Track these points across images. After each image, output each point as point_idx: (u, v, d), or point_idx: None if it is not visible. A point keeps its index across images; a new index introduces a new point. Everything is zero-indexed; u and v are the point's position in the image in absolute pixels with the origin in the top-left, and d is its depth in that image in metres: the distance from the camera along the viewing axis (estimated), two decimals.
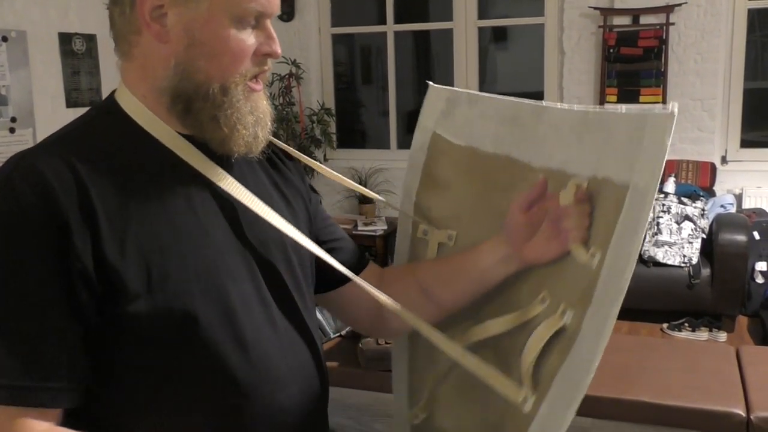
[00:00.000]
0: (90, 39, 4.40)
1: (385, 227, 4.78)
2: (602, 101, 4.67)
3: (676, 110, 0.80)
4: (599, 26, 4.70)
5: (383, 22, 5.45)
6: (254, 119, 0.89)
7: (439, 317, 1.09)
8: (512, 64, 5.97)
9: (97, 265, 0.79)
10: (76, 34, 4.32)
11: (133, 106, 0.88)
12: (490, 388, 0.96)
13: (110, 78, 4.52)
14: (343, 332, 2.54)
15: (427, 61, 6.34)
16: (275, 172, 1.03)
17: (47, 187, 0.78)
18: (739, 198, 4.62)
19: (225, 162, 0.91)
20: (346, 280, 1.04)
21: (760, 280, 4.20)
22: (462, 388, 1.13)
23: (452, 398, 1.15)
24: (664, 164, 0.81)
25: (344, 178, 1.25)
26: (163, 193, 0.86)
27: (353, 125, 6.13)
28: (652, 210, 4.13)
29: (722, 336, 3.87)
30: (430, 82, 1.20)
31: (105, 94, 4.24)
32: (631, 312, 3.54)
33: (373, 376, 2.18)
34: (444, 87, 1.16)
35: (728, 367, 2.45)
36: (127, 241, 0.81)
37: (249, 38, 0.86)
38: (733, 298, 4.04)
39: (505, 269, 1.05)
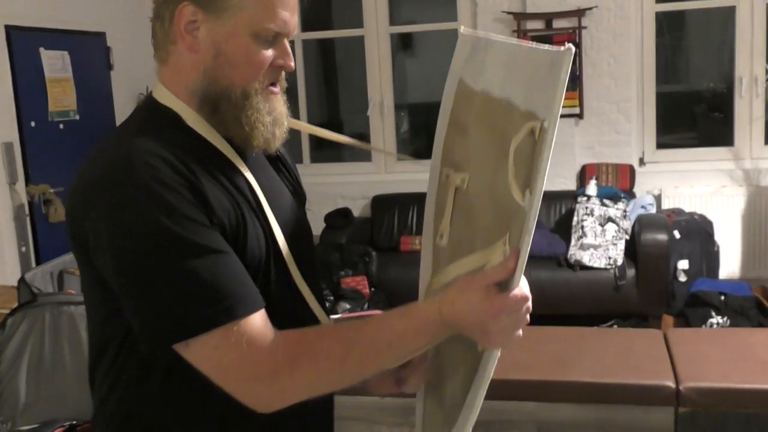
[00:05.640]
0: None
1: None
2: None
3: (573, 48, 0.84)
4: (513, 31, 4.63)
5: None
6: (272, 119, 1.03)
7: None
8: (422, 72, 5.82)
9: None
10: None
11: (174, 104, 1.03)
12: None
13: None
14: None
15: (334, 71, 6.13)
16: (280, 163, 1.17)
17: (168, 160, 0.93)
18: (658, 198, 4.63)
19: (243, 156, 1.05)
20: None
21: (682, 278, 4.15)
22: None
23: None
24: (561, 101, 0.85)
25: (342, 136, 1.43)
26: (219, 176, 1.00)
27: None
28: (576, 213, 3.90)
29: None
30: (461, 27, 1.25)
31: None
32: (559, 318, 3.53)
33: None
34: (472, 32, 1.20)
35: (657, 348, 2.65)
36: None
37: (267, 52, 1.00)
38: (658, 297, 4.19)
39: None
